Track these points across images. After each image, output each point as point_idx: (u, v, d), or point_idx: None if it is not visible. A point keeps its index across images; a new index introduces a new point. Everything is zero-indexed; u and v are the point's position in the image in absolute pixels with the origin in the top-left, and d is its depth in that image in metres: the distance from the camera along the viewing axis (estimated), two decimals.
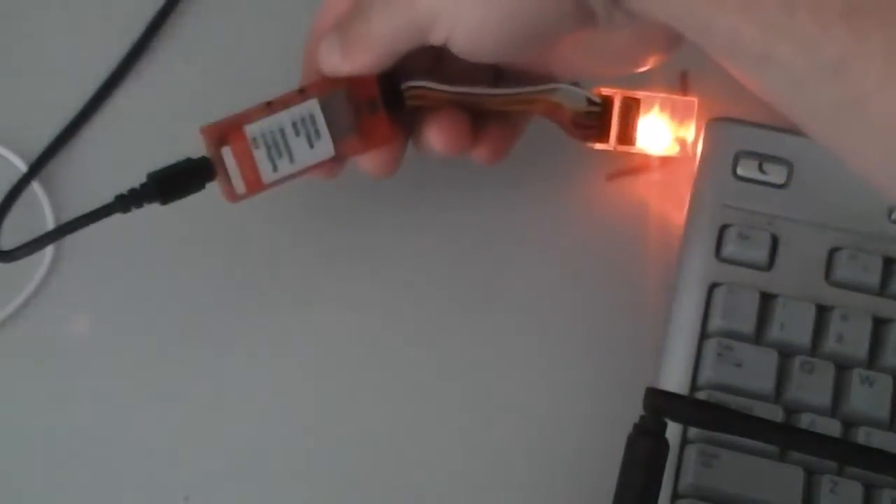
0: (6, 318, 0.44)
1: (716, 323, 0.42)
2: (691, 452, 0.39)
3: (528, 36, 0.36)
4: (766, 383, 0.40)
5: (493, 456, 0.42)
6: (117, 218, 0.46)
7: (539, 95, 0.41)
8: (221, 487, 0.41)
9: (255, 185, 0.39)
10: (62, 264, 0.45)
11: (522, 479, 0.42)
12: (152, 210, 0.47)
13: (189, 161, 0.39)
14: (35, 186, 0.47)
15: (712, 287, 0.42)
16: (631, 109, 0.43)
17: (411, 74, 0.40)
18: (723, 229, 0.43)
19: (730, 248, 0.43)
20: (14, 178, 0.46)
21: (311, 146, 0.39)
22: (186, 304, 0.44)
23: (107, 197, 0.46)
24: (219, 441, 0.42)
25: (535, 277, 0.45)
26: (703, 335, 0.42)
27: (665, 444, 0.36)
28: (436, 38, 0.36)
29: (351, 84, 0.39)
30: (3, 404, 0.43)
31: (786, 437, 0.38)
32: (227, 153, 0.39)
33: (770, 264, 0.42)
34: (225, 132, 0.39)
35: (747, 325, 0.41)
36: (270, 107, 0.39)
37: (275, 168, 0.39)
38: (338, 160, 0.40)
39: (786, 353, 0.41)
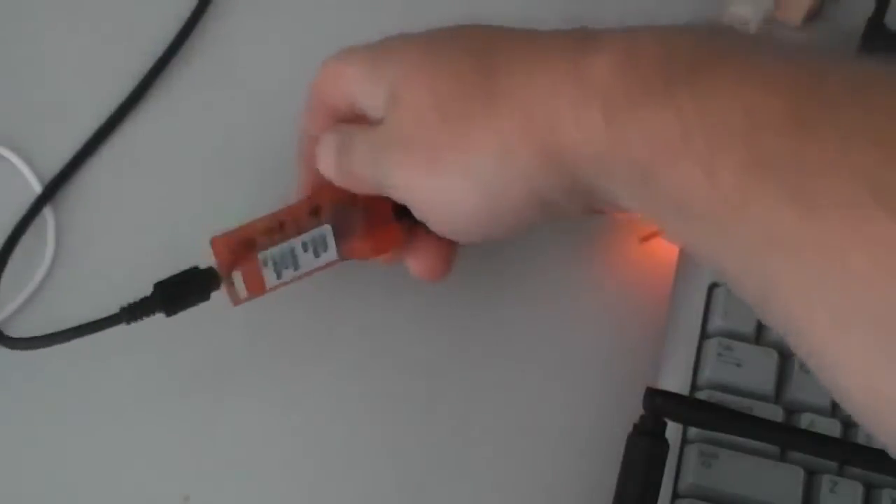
0: (6, 318, 0.44)
1: (716, 323, 0.42)
2: (691, 452, 0.39)
3: (500, 232, 0.36)
4: (766, 383, 0.40)
5: (494, 455, 0.42)
6: (117, 220, 0.47)
7: None
8: (221, 487, 0.41)
9: (259, 290, 0.41)
10: (62, 264, 0.45)
11: (523, 479, 0.42)
12: (151, 216, 0.47)
13: (195, 271, 0.40)
14: (45, 210, 0.47)
15: (712, 287, 0.42)
16: None
17: None
18: None
19: None
20: (26, 195, 0.46)
21: (317, 257, 0.40)
22: None
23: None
24: (219, 441, 0.42)
25: (536, 279, 0.45)
26: (703, 335, 0.42)
27: (665, 444, 0.36)
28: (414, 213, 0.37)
29: (365, 199, 0.40)
30: (2, 404, 0.43)
31: (786, 437, 0.38)
32: (237, 273, 0.40)
33: None
34: (236, 255, 0.39)
35: (747, 325, 0.41)
36: (283, 229, 0.40)
37: (279, 276, 0.40)
38: (342, 260, 0.41)
39: (786, 354, 0.41)
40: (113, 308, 0.40)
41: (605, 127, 0.31)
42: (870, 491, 0.38)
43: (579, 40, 0.33)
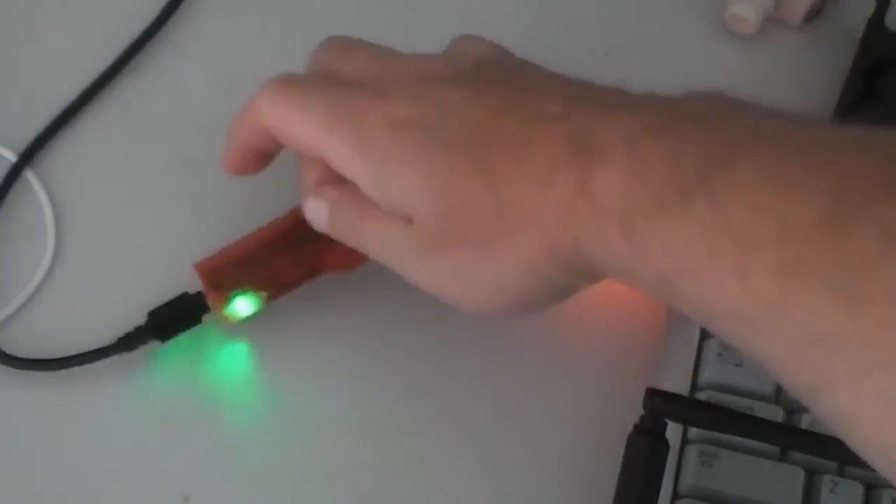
0: (6, 318, 0.44)
1: None
2: (691, 452, 0.39)
3: (516, 316, 0.37)
4: (766, 383, 0.40)
5: (493, 456, 0.42)
6: (117, 218, 0.47)
7: None
8: (221, 487, 0.41)
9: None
10: (62, 264, 0.45)
11: (523, 479, 0.42)
12: (152, 210, 0.47)
13: (185, 297, 0.42)
14: (30, 177, 0.47)
15: None
16: None
17: None
18: None
19: None
20: (5, 171, 0.47)
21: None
22: None
23: (102, 185, 0.48)
24: (219, 441, 0.42)
25: None
26: (704, 335, 0.42)
27: (665, 444, 0.36)
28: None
29: None
30: (2, 404, 0.43)
31: (786, 437, 0.38)
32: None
33: None
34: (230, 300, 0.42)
35: None
36: (286, 288, 0.42)
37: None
38: None
39: None
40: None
41: (624, 242, 0.31)
42: (870, 491, 0.38)
43: (579, 150, 0.32)
